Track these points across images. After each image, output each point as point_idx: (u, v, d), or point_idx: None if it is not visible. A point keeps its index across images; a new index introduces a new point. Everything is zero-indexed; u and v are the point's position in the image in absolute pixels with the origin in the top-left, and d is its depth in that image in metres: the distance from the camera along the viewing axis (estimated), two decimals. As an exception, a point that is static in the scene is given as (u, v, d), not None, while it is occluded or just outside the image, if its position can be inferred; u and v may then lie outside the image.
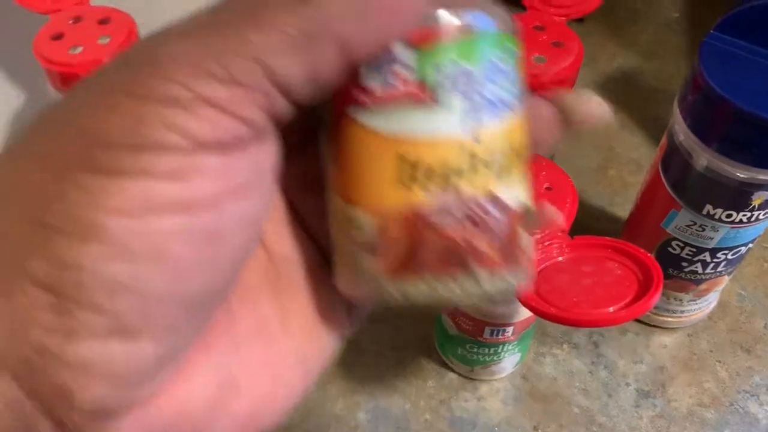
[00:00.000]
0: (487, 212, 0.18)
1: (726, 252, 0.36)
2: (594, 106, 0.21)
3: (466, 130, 0.17)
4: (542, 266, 0.28)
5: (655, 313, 0.42)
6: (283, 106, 0.16)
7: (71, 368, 0.14)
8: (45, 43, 0.36)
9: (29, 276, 0.14)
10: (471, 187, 0.17)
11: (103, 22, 0.37)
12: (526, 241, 0.19)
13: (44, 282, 0.14)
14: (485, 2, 0.18)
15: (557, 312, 0.26)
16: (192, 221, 0.15)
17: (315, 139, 0.20)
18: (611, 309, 0.26)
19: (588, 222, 0.49)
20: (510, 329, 0.36)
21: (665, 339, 0.43)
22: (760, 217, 0.33)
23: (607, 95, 0.57)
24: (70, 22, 0.37)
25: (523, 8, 0.40)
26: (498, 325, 0.36)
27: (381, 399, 0.41)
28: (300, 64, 0.15)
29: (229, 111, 0.15)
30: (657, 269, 0.27)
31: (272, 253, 0.20)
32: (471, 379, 0.41)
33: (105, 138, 0.14)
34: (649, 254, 0.27)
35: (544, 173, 0.31)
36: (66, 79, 0.36)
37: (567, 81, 0.38)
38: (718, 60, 0.31)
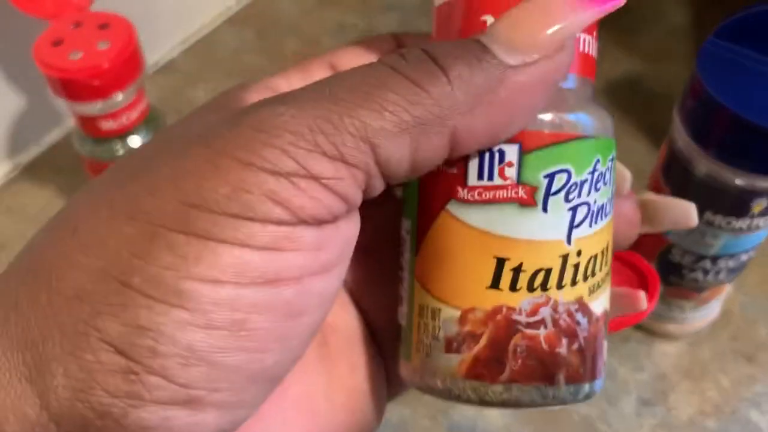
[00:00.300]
0: (578, 322, 0.18)
1: (727, 259, 0.36)
2: (686, 214, 0.22)
3: (567, 237, 0.17)
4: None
5: (656, 322, 0.42)
6: (379, 186, 0.16)
7: None
8: (45, 48, 0.36)
9: (102, 336, 0.13)
10: (565, 296, 0.17)
11: (102, 27, 0.37)
12: (605, 347, 0.19)
13: (117, 344, 0.13)
14: (593, 106, 0.18)
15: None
16: (276, 295, 0.14)
17: (369, 206, 0.20)
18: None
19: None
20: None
21: (667, 347, 0.43)
22: (760, 224, 0.33)
23: (611, 101, 0.57)
24: (71, 27, 0.37)
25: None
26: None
27: (380, 406, 0.41)
28: (407, 151, 0.15)
29: (334, 189, 0.15)
30: (654, 277, 0.26)
31: (326, 323, 0.19)
32: (470, 386, 0.41)
33: (206, 201, 0.14)
34: (645, 261, 0.27)
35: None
36: (66, 84, 0.36)
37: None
38: (716, 66, 0.30)
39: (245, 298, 0.14)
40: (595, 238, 0.18)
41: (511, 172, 0.17)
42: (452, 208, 0.17)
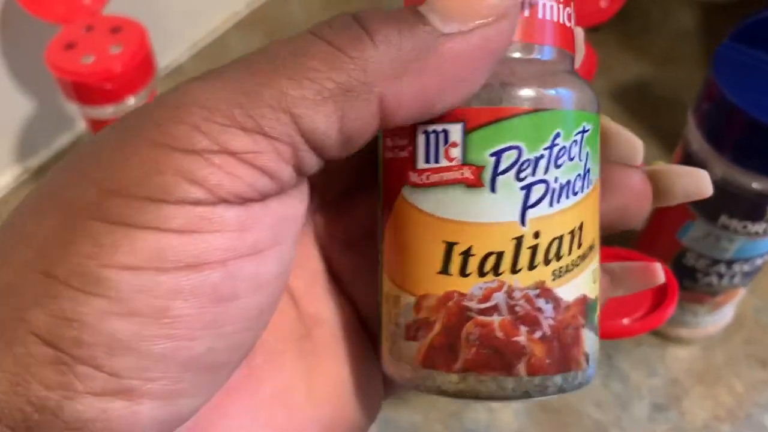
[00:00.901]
0: (539, 309, 0.16)
1: (742, 263, 0.36)
2: (698, 183, 0.20)
3: (521, 218, 0.16)
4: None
5: (670, 326, 0.42)
6: (311, 161, 0.15)
7: (69, 427, 0.13)
8: (57, 52, 0.36)
9: (31, 328, 0.13)
10: (522, 281, 0.16)
11: (114, 31, 0.37)
12: (588, 338, 0.17)
13: (45, 336, 0.13)
14: (564, 78, 0.17)
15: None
16: (200, 280, 0.14)
17: (358, 195, 0.19)
18: (626, 321, 0.26)
19: (602, 233, 0.48)
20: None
21: (680, 352, 0.43)
22: (777, 228, 0.33)
23: (621, 105, 0.57)
24: (83, 31, 0.37)
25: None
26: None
27: (390, 410, 0.40)
28: (333, 120, 0.14)
29: (254, 164, 0.14)
30: (672, 281, 0.26)
31: (303, 312, 0.19)
32: (482, 391, 0.41)
33: (119, 187, 0.13)
34: (664, 265, 0.27)
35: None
36: (78, 88, 0.36)
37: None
38: (732, 69, 0.30)
39: (166, 284, 0.13)
40: (558, 218, 0.16)
41: (456, 153, 0.16)
42: (406, 193, 0.17)
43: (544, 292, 0.16)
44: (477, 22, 0.15)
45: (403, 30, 0.14)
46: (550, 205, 0.16)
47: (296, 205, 0.16)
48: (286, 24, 0.64)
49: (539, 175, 0.16)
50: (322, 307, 0.19)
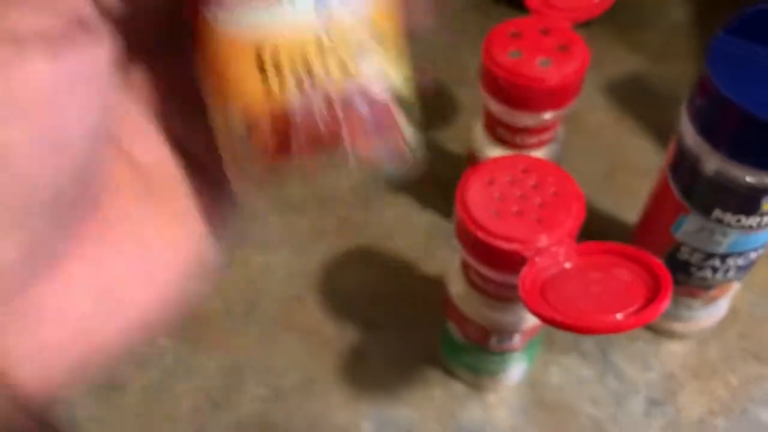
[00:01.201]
0: (348, 98, 0.18)
1: (736, 257, 0.35)
2: None
3: (317, 19, 0.17)
4: (549, 273, 0.28)
5: (664, 320, 0.42)
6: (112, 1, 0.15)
7: None
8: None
9: None
10: (329, 77, 0.17)
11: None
12: (402, 121, 0.19)
13: None
14: None
15: (564, 319, 0.25)
16: (25, 109, 0.14)
17: (178, 45, 0.20)
18: (619, 316, 0.26)
19: (596, 228, 0.48)
20: (517, 336, 0.36)
21: (675, 346, 0.43)
22: (771, 222, 0.33)
23: (615, 100, 0.57)
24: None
25: (527, 11, 0.39)
26: (505, 332, 0.35)
27: (386, 408, 0.40)
28: None
29: (52, 4, 0.14)
30: (666, 275, 0.26)
31: (139, 163, 0.19)
32: (478, 388, 0.41)
33: None
34: (657, 260, 0.27)
35: (550, 179, 0.31)
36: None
37: (572, 85, 0.37)
38: (726, 63, 0.30)
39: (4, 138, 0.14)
40: (356, 18, 0.18)
41: None
42: (208, 16, 0.17)
43: (353, 84, 0.17)
44: None
45: None
46: (346, 4, 0.17)
47: (108, 48, 0.16)
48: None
49: None
50: (157, 155, 0.20)
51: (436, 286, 0.45)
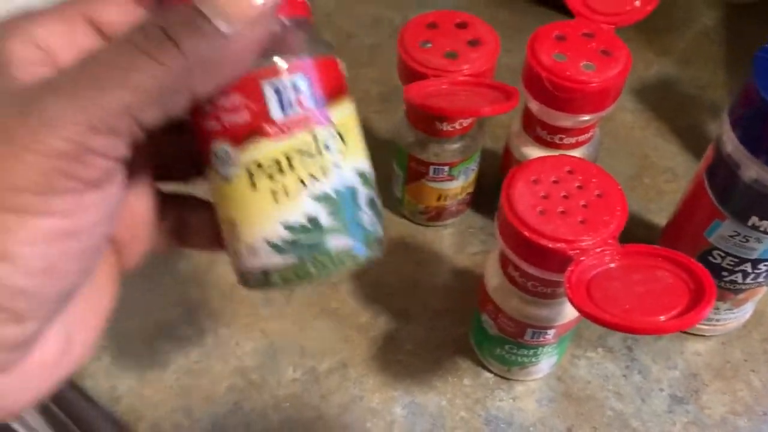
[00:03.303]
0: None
1: (768, 263, 0.37)
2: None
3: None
4: (594, 273, 0.29)
5: (690, 321, 0.43)
6: (142, 138, 0.21)
7: None
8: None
9: None
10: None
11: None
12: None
13: None
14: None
15: (611, 318, 0.26)
16: (75, 245, 0.20)
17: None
18: (663, 318, 0.27)
19: (624, 229, 0.49)
20: (552, 332, 0.37)
21: (699, 346, 0.44)
22: (806, 230, 0.34)
23: (644, 103, 0.58)
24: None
25: (572, 15, 0.40)
26: (541, 327, 0.36)
27: (417, 395, 0.42)
28: (160, 113, 0.20)
29: (110, 156, 0.20)
30: (709, 280, 0.27)
31: None
32: (507, 379, 0.42)
33: (13, 184, 0.19)
34: (700, 265, 0.28)
35: (594, 180, 0.32)
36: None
37: (614, 89, 0.38)
38: (772, 74, 0.31)
39: (53, 251, 0.20)
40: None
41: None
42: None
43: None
44: (249, 21, 0.21)
45: (199, 36, 0.20)
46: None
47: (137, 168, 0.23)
48: (311, 13, 0.65)
49: None
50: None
51: (467, 278, 0.47)
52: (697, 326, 0.43)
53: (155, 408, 0.41)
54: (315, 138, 0.23)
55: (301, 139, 0.22)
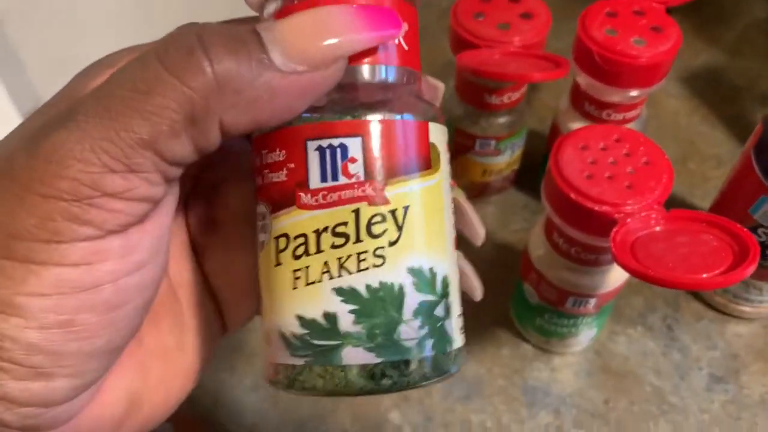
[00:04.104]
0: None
1: (814, 241, 0.37)
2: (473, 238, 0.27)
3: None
4: (639, 235, 0.29)
5: (731, 302, 0.43)
6: (176, 172, 0.18)
7: (3, 398, 0.17)
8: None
9: None
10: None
11: None
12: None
13: None
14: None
15: (653, 273, 0.27)
16: (96, 296, 0.17)
17: (223, 183, 0.23)
18: (705, 275, 0.27)
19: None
20: (593, 301, 0.37)
21: (740, 328, 0.44)
22: None
23: (691, 90, 0.58)
24: None
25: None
26: (582, 295, 0.37)
27: (457, 363, 0.42)
28: (187, 144, 0.17)
29: (130, 197, 0.17)
30: (753, 241, 0.28)
31: (171, 279, 0.23)
32: (545, 350, 0.43)
33: (19, 232, 0.16)
34: (744, 228, 0.28)
35: (642, 149, 0.33)
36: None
37: (664, 64, 0.39)
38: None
39: (68, 304, 0.17)
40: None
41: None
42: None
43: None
44: (311, 65, 0.17)
45: (242, 59, 0.17)
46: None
47: (169, 212, 0.19)
48: None
49: None
50: (186, 275, 0.23)
51: (509, 253, 0.47)
52: (740, 308, 0.43)
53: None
54: (357, 216, 0.18)
55: (337, 215, 0.18)
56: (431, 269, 0.19)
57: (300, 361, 0.19)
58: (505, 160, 0.46)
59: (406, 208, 0.19)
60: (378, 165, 0.18)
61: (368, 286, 0.18)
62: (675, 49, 0.38)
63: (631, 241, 0.29)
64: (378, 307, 0.18)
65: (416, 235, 0.19)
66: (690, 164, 0.53)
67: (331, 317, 0.18)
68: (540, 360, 0.43)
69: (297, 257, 0.18)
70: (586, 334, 0.41)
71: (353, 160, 0.18)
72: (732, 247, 0.28)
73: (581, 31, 0.39)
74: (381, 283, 0.18)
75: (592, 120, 0.42)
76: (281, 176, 0.19)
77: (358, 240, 0.18)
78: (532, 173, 0.50)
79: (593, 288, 0.36)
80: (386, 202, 0.18)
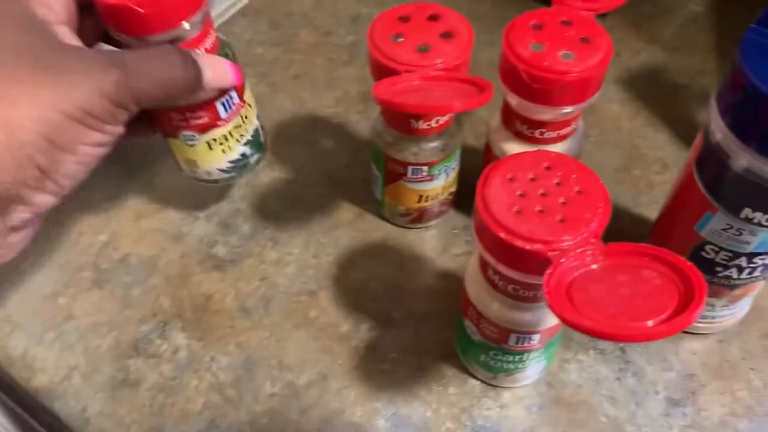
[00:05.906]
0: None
1: (763, 257, 0.35)
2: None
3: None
4: (576, 274, 0.27)
5: (684, 319, 0.41)
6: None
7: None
8: None
9: None
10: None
11: None
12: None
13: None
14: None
15: (594, 326, 0.24)
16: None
17: None
18: (650, 323, 0.25)
19: (613, 224, 0.46)
20: (537, 337, 0.35)
21: (695, 345, 0.42)
22: (802, 221, 0.32)
23: (631, 92, 0.56)
24: None
25: (548, 3, 0.38)
26: (524, 332, 0.34)
27: (401, 406, 0.40)
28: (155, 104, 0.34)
29: (118, 120, 0.33)
30: (699, 279, 0.25)
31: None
32: (494, 386, 0.40)
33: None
34: (690, 263, 0.26)
35: (574, 176, 0.30)
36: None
37: (595, 78, 0.36)
38: (760, 56, 0.29)
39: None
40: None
41: None
42: None
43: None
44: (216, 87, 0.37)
45: (193, 74, 0.35)
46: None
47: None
48: (291, 11, 0.63)
49: None
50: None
51: (452, 281, 0.45)
52: (693, 324, 0.41)
53: (128, 429, 0.39)
54: (242, 117, 0.40)
55: (236, 121, 0.40)
56: (256, 115, 0.42)
57: (234, 173, 0.42)
58: (440, 184, 0.44)
59: (249, 99, 0.42)
60: (240, 93, 0.40)
61: (252, 135, 0.42)
62: (606, 61, 0.36)
63: (567, 282, 0.27)
64: (256, 139, 0.42)
65: (253, 106, 0.42)
66: (635, 171, 0.51)
67: (243, 154, 0.42)
68: (488, 396, 0.40)
69: (221, 143, 0.40)
70: (534, 368, 0.39)
71: (234, 99, 0.40)
72: (676, 285, 0.26)
73: (506, 48, 0.36)
74: (254, 130, 0.42)
75: (525, 140, 0.39)
76: (204, 119, 0.39)
77: (244, 123, 0.41)
78: (471, 194, 0.47)
79: (536, 324, 0.34)
80: (246, 102, 0.41)
